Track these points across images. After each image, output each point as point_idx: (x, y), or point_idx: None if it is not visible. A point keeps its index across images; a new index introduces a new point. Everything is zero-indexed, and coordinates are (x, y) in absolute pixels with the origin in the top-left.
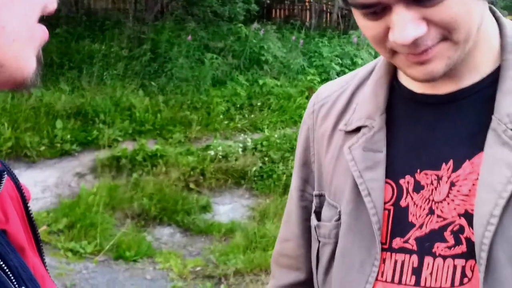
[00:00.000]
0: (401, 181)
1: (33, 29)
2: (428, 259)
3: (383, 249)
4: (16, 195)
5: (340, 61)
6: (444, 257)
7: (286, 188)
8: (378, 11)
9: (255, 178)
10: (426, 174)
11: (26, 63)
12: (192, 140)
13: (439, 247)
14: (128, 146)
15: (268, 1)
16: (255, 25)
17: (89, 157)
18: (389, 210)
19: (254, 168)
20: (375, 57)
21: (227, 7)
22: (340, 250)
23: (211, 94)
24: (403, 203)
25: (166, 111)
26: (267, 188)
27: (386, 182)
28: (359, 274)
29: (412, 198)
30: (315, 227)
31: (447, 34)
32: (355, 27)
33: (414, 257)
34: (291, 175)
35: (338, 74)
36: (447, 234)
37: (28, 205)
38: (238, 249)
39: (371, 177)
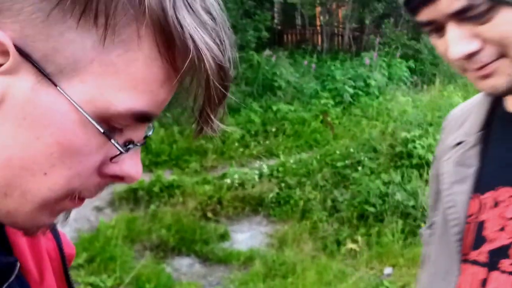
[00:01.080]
0: (484, 196)
1: (51, 201)
2: (494, 274)
3: (462, 261)
4: (56, 255)
5: (354, 84)
6: (509, 273)
7: (303, 213)
8: (439, 29)
9: (272, 205)
10: (505, 191)
11: (36, 223)
12: (208, 169)
13: (504, 263)
14: (145, 177)
15: (279, 27)
16: (267, 51)
17: (106, 190)
18: (471, 224)
19: (271, 195)
20: (389, 78)
21: (238, 36)
22: (431, 256)
23: (226, 122)
24: (482, 217)
25: (181, 141)
26: (284, 214)
27: (473, 197)
28: (443, 282)
29: (489, 213)
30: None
31: (503, 51)
32: (367, 48)
33: (484, 271)
34: (308, 200)
35: (352, 97)
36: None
37: (68, 266)
38: (257, 277)
39: (458, 191)
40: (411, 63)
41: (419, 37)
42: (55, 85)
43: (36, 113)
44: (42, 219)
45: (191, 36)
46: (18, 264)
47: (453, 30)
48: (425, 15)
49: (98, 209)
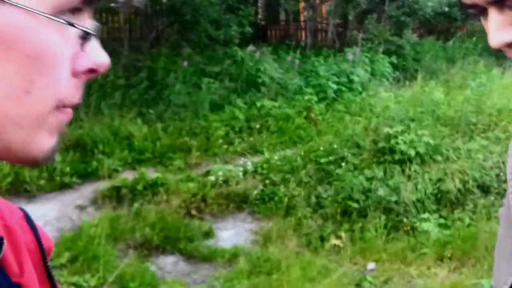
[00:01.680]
0: None
1: (46, 117)
2: None
3: None
4: (35, 247)
5: (337, 79)
6: None
7: (288, 210)
8: (482, 13)
9: (257, 202)
10: None
11: (37, 146)
12: (192, 166)
13: None
14: (128, 175)
15: (263, 23)
16: (251, 47)
17: (89, 188)
18: None
19: (255, 192)
20: (372, 74)
21: (222, 31)
22: (499, 237)
23: (210, 119)
24: None
25: (165, 138)
26: (269, 211)
27: None
28: (507, 265)
29: None
30: None
31: None
32: (351, 44)
33: None
34: (292, 196)
35: (335, 93)
36: None
37: (47, 259)
38: (242, 274)
39: None
40: (394, 59)
41: (401, 33)
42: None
43: (1, 36)
44: (44, 141)
45: None
46: (5, 242)
47: (494, 17)
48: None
49: (81, 207)
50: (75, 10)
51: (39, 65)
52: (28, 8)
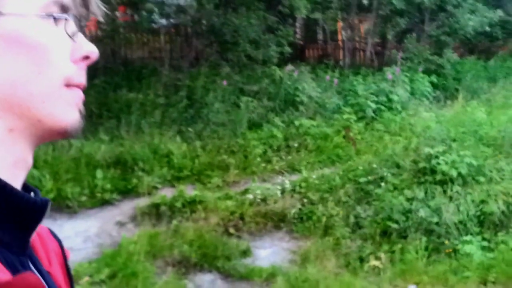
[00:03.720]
0: None
1: (59, 92)
2: None
3: None
4: (59, 252)
5: (376, 99)
6: None
7: (326, 229)
8: None
9: (295, 221)
10: None
11: (62, 116)
12: (230, 184)
13: None
14: (167, 192)
15: (301, 42)
16: (289, 67)
17: (129, 205)
18: None
19: (293, 211)
20: (411, 93)
21: (260, 51)
22: None
23: (248, 137)
24: None
25: (203, 156)
26: (307, 230)
27: None
28: None
29: None
30: None
31: None
32: (390, 63)
33: None
34: (330, 216)
35: (375, 112)
36: None
37: (68, 262)
38: None
39: None
40: (434, 78)
41: (441, 52)
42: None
43: (8, 38)
44: (66, 112)
45: None
46: (50, 202)
47: None
48: None
49: (121, 224)
50: (62, 8)
51: (41, 52)
52: (20, 14)
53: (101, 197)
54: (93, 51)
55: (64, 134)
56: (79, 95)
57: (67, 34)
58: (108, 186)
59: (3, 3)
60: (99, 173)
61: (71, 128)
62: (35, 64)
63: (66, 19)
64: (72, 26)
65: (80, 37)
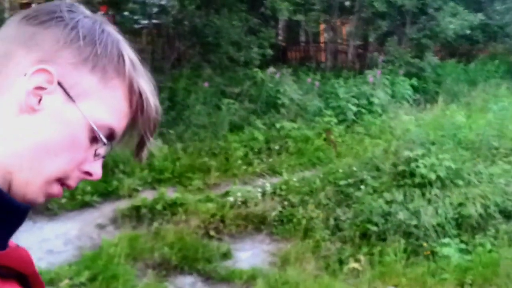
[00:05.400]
0: None
1: (49, 182)
2: None
3: None
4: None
5: (357, 102)
6: None
7: (306, 232)
8: None
9: (275, 223)
10: None
11: (32, 196)
12: (211, 187)
13: None
14: (148, 195)
15: (284, 44)
16: (271, 69)
17: (109, 207)
18: None
19: (273, 213)
20: (392, 96)
21: (242, 53)
22: None
23: (229, 139)
24: None
25: (184, 159)
26: (287, 233)
27: None
28: None
29: None
30: None
31: None
32: (371, 66)
33: None
34: (311, 218)
35: (355, 115)
36: None
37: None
38: None
39: None
40: (414, 81)
41: (422, 55)
42: (74, 103)
43: (62, 118)
44: (35, 196)
45: (144, 92)
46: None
47: None
48: None
49: (101, 226)
50: (110, 134)
51: (71, 146)
52: (83, 114)
53: (82, 199)
54: (97, 175)
55: (23, 202)
56: (59, 192)
57: (94, 153)
58: (89, 188)
59: (82, 98)
60: None
61: (30, 203)
62: (60, 148)
63: (104, 144)
64: (103, 149)
65: (99, 159)
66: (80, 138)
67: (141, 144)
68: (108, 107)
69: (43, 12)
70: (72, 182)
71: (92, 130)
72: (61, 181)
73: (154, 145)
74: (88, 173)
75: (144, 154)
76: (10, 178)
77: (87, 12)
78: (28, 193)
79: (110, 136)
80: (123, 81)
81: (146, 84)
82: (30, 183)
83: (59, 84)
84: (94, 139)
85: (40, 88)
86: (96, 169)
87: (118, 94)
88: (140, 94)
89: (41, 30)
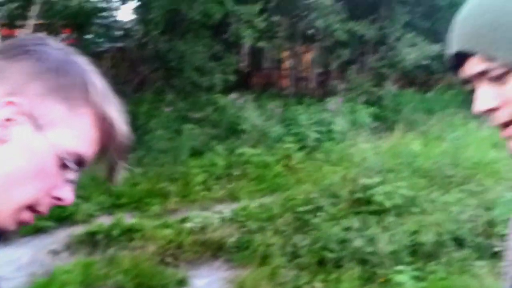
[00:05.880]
0: None
1: (20, 207)
2: None
3: None
4: None
5: (318, 128)
6: None
7: (263, 258)
8: (473, 83)
9: (233, 250)
10: None
11: (1, 226)
12: (170, 212)
13: None
14: (105, 220)
15: (248, 69)
16: (233, 95)
17: (64, 233)
18: None
19: (231, 239)
20: (352, 124)
21: (205, 78)
22: None
23: (189, 164)
24: None
25: (143, 183)
26: (244, 260)
27: None
28: None
29: None
30: None
31: None
32: (333, 93)
33: None
34: (268, 245)
35: (315, 141)
36: None
37: None
38: None
39: None
40: (374, 109)
41: (382, 84)
42: (42, 132)
43: (30, 147)
44: (7, 222)
45: (112, 118)
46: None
47: (480, 88)
48: (460, 75)
49: (55, 252)
50: (79, 161)
51: (41, 175)
52: (52, 142)
53: (35, 225)
54: (68, 200)
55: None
56: (30, 219)
57: (64, 179)
58: None
59: (50, 127)
60: None
61: (2, 230)
62: (29, 177)
63: (73, 170)
64: (73, 175)
65: (70, 185)
66: (48, 166)
67: (113, 169)
68: (76, 135)
69: (13, 46)
70: (43, 208)
71: (60, 158)
72: (32, 208)
73: (126, 169)
74: (58, 199)
75: (117, 177)
76: None
77: (56, 44)
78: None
79: (80, 162)
80: (91, 109)
81: (115, 111)
82: (0, 211)
83: (27, 115)
84: (63, 166)
85: (9, 120)
86: (67, 195)
87: (86, 121)
88: (109, 121)
89: (10, 63)
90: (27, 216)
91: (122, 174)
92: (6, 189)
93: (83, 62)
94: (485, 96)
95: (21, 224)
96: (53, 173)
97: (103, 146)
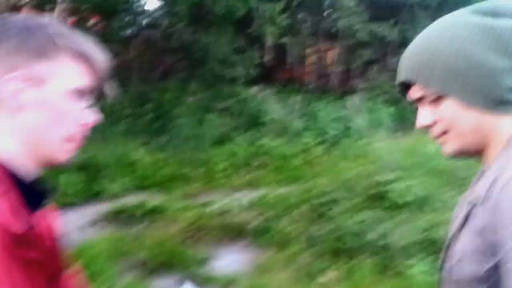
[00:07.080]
0: None
1: (62, 142)
2: None
3: None
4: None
5: (336, 125)
6: None
7: (281, 245)
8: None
9: (252, 235)
10: None
11: (57, 156)
12: (191, 196)
13: None
14: (129, 200)
15: (270, 64)
16: (255, 87)
17: (90, 210)
18: None
19: (250, 225)
20: (371, 122)
21: (228, 70)
22: None
23: (211, 153)
24: None
25: (167, 168)
26: (263, 244)
27: None
28: None
29: None
30: None
31: (446, 128)
32: (352, 91)
33: None
34: (285, 233)
35: (334, 138)
36: None
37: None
38: None
39: None
40: (393, 109)
41: None
42: (44, 86)
43: (42, 102)
44: (62, 155)
45: (85, 51)
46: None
47: (421, 108)
48: (408, 97)
49: (82, 227)
50: (88, 92)
51: (60, 116)
52: (56, 90)
53: (63, 201)
54: (93, 120)
55: (59, 165)
56: (75, 146)
57: (81, 109)
58: (70, 191)
59: (48, 81)
60: (62, 178)
61: (63, 162)
62: (54, 122)
63: (84, 99)
64: (85, 103)
65: (88, 110)
66: (63, 107)
67: (103, 87)
68: (67, 76)
69: None
70: (78, 137)
71: (68, 97)
72: (70, 139)
73: (111, 85)
74: (85, 125)
75: (110, 93)
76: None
77: (15, 18)
78: (56, 158)
79: (83, 92)
80: (65, 52)
81: (83, 44)
82: (51, 150)
83: (27, 80)
84: (74, 101)
85: (16, 90)
86: (89, 117)
87: (67, 63)
88: (83, 53)
89: None
90: (71, 146)
91: (113, 90)
92: (46, 136)
93: (43, 21)
94: (423, 115)
95: (70, 153)
96: (70, 110)
97: (92, 72)
